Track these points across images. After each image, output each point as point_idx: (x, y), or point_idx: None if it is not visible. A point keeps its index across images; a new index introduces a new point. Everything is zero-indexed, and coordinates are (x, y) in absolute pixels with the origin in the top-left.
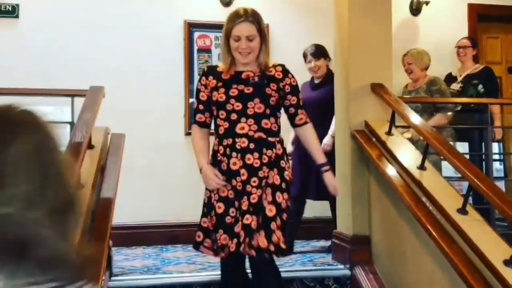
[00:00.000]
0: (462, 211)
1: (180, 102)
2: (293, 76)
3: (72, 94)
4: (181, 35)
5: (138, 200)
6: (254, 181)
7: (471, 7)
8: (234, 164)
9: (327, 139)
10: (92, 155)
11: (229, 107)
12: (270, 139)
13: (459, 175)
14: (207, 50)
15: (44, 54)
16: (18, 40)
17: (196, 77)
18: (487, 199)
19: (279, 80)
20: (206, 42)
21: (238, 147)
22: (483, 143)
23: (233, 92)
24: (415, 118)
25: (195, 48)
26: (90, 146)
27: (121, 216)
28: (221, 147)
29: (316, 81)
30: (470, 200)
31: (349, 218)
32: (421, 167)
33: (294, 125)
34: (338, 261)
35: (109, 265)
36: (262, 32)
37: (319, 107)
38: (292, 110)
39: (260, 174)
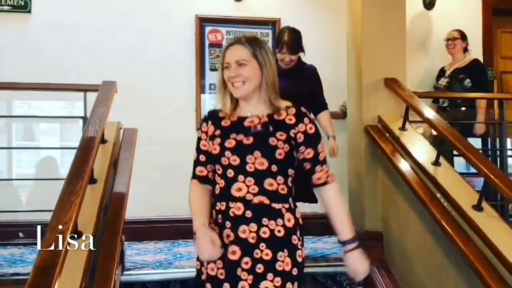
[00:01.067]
0: (478, 207)
1: (191, 97)
2: (311, 121)
3: (84, 89)
4: (193, 30)
5: (150, 195)
6: (246, 263)
7: (485, 1)
8: (228, 237)
9: (332, 143)
10: (105, 150)
11: (224, 161)
12: (275, 205)
13: (470, 171)
14: (219, 45)
15: (56, 49)
16: (30, 35)
17: (208, 72)
18: (504, 195)
19: (291, 126)
20: (217, 37)
21: (232, 215)
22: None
23: (230, 143)
24: (430, 113)
25: (207, 43)
26: (103, 141)
27: (132, 210)
28: (214, 212)
29: (285, 68)
30: None
31: (361, 214)
32: (436, 162)
33: (311, 185)
34: None
35: (121, 260)
36: (261, 59)
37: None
38: (307, 166)
39: (256, 254)
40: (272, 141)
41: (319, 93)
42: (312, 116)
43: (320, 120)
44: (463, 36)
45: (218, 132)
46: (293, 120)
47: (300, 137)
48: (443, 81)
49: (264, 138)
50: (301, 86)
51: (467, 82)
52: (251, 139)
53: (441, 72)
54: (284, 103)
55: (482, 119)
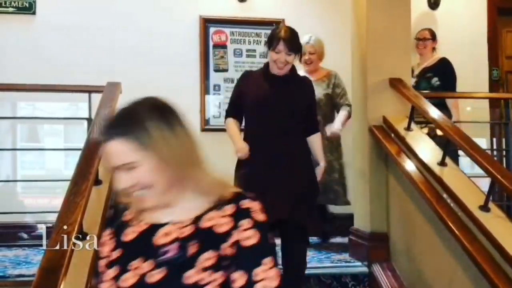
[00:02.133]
0: (484, 208)
1: (195, 98)
2: (254, 224)
3: (89, 90)
4: (197, 31)
5: None
6: None
7: (490, 0)
8: None
9: (321, 170)
10: None
11: None
12: None
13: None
14: (223, 46)
15: (61, 51)
16: (35, 36)
17: (212, 73)
18: (511, 196)
19: (222, 237)
20: (221, 37)
21: None
22: None
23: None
24: (435, 113)
25: (211, 43)
26: None
27: None
28: None
29: (277, 73)
30: None
31: (367, 215)
32: (442, 163)
33: None
34: (355, 258)
35: None
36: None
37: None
38: None
39: None
40: (192, 273)
41: (313, 110)
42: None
43: (312, 144)
44: (433, 36)
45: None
46: (230, 226)
47: (239, 254)
48: (411, 81)
49: (178, 268)
50: (294, 99)
51: (435, 80)
52: (163, 271)
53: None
54: (227, 188)
55: (456, 119)
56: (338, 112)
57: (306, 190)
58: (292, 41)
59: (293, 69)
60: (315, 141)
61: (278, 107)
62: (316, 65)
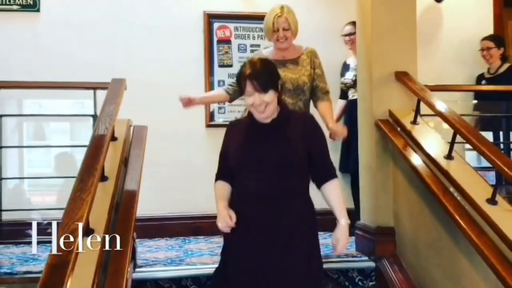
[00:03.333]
0: (492, 201)
1: (200, 94)
2: None
3: (94, 87)
4: (201, 26)
5: (161, 192)
6: None
7: None
8: None
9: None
10: (116, 147)
11: None
12: None
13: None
14: (227, 41)
15: (65, 48)
16: (39, 34)
17: (216, 69)
18: None
19: None
20: (226, 33)
21: None
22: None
23: None
24: (442, 106)
25: (215, 39)
26: (113, 138)
27: (143, 208)
28: None
29: (263, 121)
30: None
31: (373, 209)
32: (448, 156)
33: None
34: (362, 253)
35: (133, 257)
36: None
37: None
38: None
39: None
40: None
41: (322, 154)
42: None
43: (328, 196)
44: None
45: None
46: None
47: None
48: (350, 75)
49: None
50: (291, 147)
51: None
52: None
53: (345, 67)
54: None
55: None
56: (314, 99)
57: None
58: (261, 76)
59: (283, 108)
60: (332, 193)
61: (266, 163)
62: (291, 42)
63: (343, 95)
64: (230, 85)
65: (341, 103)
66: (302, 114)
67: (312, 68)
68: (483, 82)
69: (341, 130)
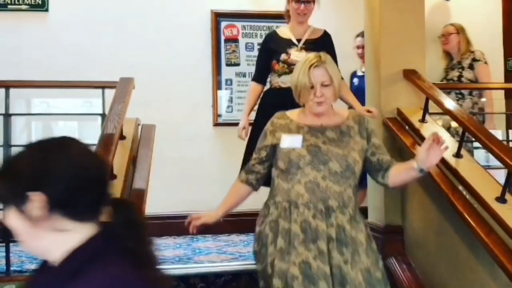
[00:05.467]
0: (501, 199)
1: (208, 93)
2: None
3: (102, 86)
4: (208, 25)
5: (168, 191)
6: None
7: None
8: None
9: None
10: (124, 146)
11: None
12: None
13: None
14: (234, 40)
15: (74, 47)
16: (48, 33)
17: (224, 68)
18: None
19: None
20: (233, 31)
21: None
22: None
23: None
24: (450, 104)
25: (222, 38)
26: (122, 137)
27: (151, 206)
28: None
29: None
30: None
31: (381, 208)
32: (457, 154)
33: None
34: None
35: None
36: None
37: None
38: None
39: None
40: None
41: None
42: None
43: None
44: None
45: None
46: None
47: None
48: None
49: None
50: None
51: None
52: None
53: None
54: None
55: None
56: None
57: None
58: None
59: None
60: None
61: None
62: (330, 104)
63: None
64: (252, 171)
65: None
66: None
67: (364, 138)
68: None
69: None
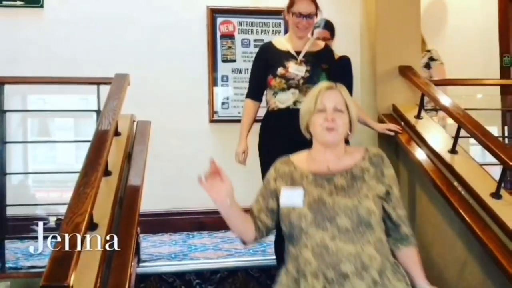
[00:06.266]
0: (496, 195)
1: (204, 90)
2: None
3: (97, 82)
4: (204, 21)
5: (164, 187)
6: None
7: None
8: None
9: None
10: (119, 143)
11: None
12: None
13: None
14: (230, 36)
15: (69, 44)
16: (43, 29)
17: (220, 64)
18: None
19: None
20: (229, 28)
21: None
22: None
23: None
24: (446, 101)
25: (218, 34)
26: (117, 133)
27: (147, 203)
28: None
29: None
30: None
31: None
32: (453, 151)
33: None
34: None
35: (137, 252)
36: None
37: None
38: None
39: None
40: None
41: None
42: None
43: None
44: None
45: None
46: None
47: None
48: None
49: None
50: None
51: None
52: None
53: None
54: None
55: None
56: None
57: None
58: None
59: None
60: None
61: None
62: (342, 137)
63: None
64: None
65: None
66: (376, 152)
67: (381, 183)
68: None
69: None
